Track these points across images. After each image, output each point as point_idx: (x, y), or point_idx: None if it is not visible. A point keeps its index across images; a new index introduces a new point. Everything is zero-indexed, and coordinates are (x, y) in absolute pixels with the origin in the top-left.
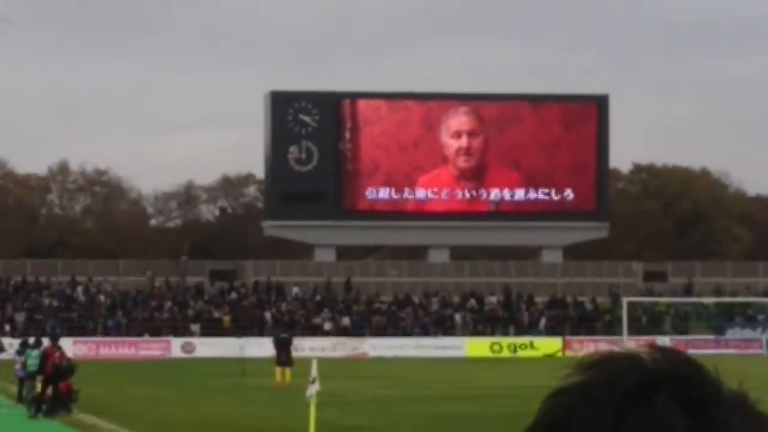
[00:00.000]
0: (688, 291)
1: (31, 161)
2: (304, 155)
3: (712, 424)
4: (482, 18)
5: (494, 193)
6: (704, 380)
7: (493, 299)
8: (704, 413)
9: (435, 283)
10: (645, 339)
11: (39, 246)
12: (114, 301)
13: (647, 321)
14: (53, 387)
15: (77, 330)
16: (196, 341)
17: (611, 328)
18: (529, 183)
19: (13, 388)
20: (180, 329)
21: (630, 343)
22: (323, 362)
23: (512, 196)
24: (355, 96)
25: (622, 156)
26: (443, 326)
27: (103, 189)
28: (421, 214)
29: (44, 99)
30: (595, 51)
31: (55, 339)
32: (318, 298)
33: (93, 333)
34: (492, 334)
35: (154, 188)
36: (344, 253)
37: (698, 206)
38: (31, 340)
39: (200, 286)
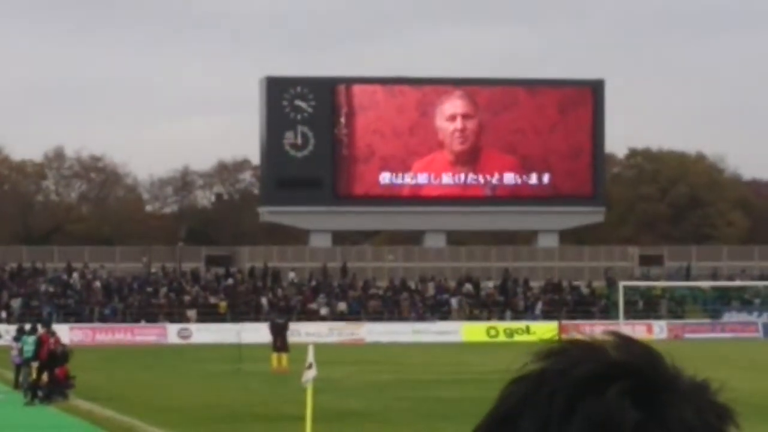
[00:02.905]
0: (684, 275)
1: (26, 147)
2: (299, 141)
3: (662, 417)
4: (477, 3)
5: (490, 178)
6: (660, 372)
7: (490, 284)
8: (656, 406)
9: (431, 267)
10: (641, 323)
11: (35, 232)
12: (110, 287)
13: (643, 305)
14: (49, 373)
15: (73, 316)
16: (193, 327)
17: (607, 312)
18: (525, 168)
19: (10, 375)
20: (176, 315)
21: (626, 327)
22: (319, 348)
23: (508, 180)
24: (350, 81)
25: (618, 140)
26: (439, 311)
27: (99, 175)
28: (417, 199)
29: (39, 85)
30: (591, 35)
31: (49, 325)
32: (314, 283)
33: (89, 319)
34: (488, 318)
35: (149, 174)
36: (340, 238)
37: (694, 190)
38: (27, 326)
39: (196, 272)
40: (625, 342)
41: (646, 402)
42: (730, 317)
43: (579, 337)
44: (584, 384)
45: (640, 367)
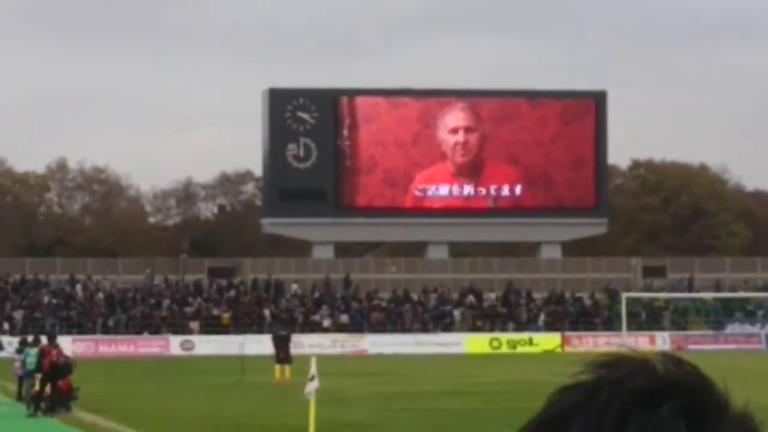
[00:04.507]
0: (687, 286)
1: (29, 159)
2: (302, 152)
3: None
4: (480, 14)
5: (492, 189)
6: (712, 395)
7: (492, 295)
8: (707, 427)
9: (434, 279)
10: (644, 335)
11: (38, 244)
12: (113, 299)
13: (646, 317)
14: (52, 385)
15: (76, 328)
16: (195, 339)
17: (610, 324)
18: (528, 179)
19: (13, 387)
20: (179, 327)
21: (629, 339)
22: (322, 359)
23: (511, 192)
24: (353, 93)
25: (621, 151)
26: (442, 322)
27: (102, 187)
28: (419, 210)
29: (42, 97)
30: (593, 47)
31: (52, 337)
32: (317, 295)
33: (92, 331)
34: (491, 330)
35: (152, 186)
36: (343, 250)
37: (697, 202)
38: (30, 338)
39: (199, 284)
40: (677, 362)
41: (697, 423)
42: (733, 329)
43: (629, 351)
44: (638, 397)
45: (693, 387)
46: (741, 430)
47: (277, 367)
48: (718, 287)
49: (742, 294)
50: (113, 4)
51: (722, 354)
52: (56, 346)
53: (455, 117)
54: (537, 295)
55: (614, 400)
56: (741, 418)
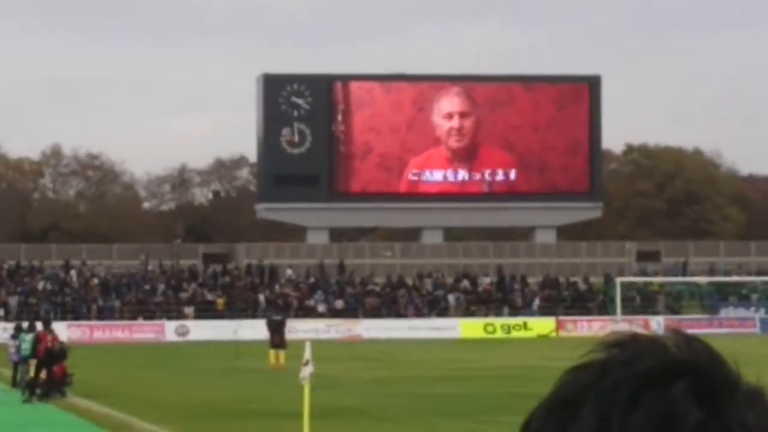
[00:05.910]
0: (681, 270)
1: (23, 145)
2: (296, 138)
3: (724, 417)
4: None
5: (487, 174)
6: (723, 373)
7: (487, 280)
8: (718, 406)
9: (428, 264)
10: (639, 318)
11: (32, 230)
12: (108, 285)
13: (640, 301)
14: (47, 371)
15: (71, 314)
16: (190, 324)
17: (605, 308)
18: (522, 164)
19: (8, 373)
20: (174, 312)
21: (623, 323)
22: (317, 344)
23: (505, 176)
24: (347, 78)
25: (615, 136)
26: (437, 307)
27: (96, 173)
28: (413, 195)
29: (37, 83)
30: (587, 31)
31: (47, 323)
32: (311, 280)
33: (87, 317)
34: (485, 314)
35: (147, 172)
36: (337, 235)
37: (691, 186)
38: (25, 324)
39: (194, 269)
40: (688, 340)
41: (708, 401)
42: (728, 313)
43: (640, 331)
44: (649, 377)
45: (703, 366)
46: (753, 407)
47: (272, 352)
48: (712, 271)
49: (736, 278)
50: None
51: (716, 338)
52: (51, 332)
53: (450, 102)
54: (531, 280)
55: (624, 381)
56: (753, 395)
